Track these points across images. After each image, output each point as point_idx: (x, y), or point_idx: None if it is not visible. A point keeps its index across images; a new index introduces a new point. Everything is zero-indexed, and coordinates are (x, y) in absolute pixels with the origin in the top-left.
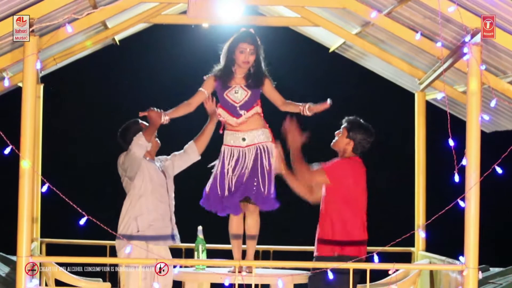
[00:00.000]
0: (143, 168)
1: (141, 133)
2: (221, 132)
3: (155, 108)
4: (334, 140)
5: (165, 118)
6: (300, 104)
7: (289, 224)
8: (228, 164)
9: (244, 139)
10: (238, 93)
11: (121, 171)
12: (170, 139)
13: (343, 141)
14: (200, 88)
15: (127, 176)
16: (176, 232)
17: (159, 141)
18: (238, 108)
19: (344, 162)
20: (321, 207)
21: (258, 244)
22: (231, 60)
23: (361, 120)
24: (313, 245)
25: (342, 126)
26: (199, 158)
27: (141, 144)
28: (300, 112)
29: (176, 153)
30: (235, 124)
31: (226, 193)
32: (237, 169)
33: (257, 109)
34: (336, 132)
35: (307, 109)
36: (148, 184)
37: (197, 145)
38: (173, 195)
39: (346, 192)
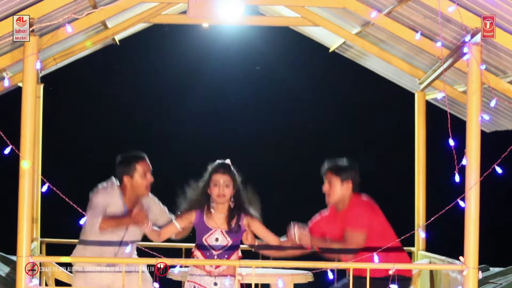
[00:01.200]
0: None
1: (101, 218)
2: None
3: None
4: (328, 195)
5: (149, 225)
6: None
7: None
8: None
9: (216, 284)
10: (218, 241)
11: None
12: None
13: (340, 190)
14: (174, 221)
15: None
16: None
17: (148, 185)
18: (216, 257)
19: (362, 210)
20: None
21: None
22: (206, 195)
23: (336, 159)
24: None
25: (327, 177)
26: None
27: (95, 213)
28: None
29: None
30: (210, 270)
31: None
32: None
33: (235, 256)
34: (324, 188)
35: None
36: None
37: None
38: (136, 238)
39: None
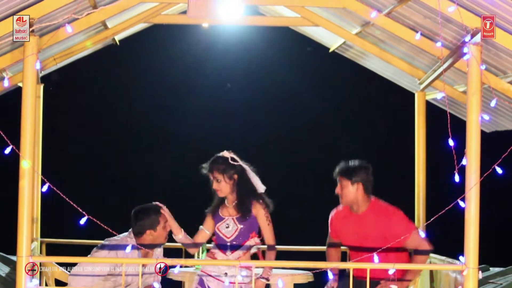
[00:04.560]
0: None
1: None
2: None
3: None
4: (341, 197)
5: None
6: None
7: (289, 224)
8: None
9: (226, 274)
10: (229, 227)
11: None
12: None
13: (351, 191)
14: (201, 226)
15: None
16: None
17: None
18: (229, 244)
19: (402, 214)
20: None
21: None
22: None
23: (349, 161)
24: (313, 244)
25: (339, 179)
26: None
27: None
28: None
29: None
30: (224, 259)
31: None
32: None
33: (252, 241)
34: (336, 190)
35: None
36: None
37: None
38: None
39: None
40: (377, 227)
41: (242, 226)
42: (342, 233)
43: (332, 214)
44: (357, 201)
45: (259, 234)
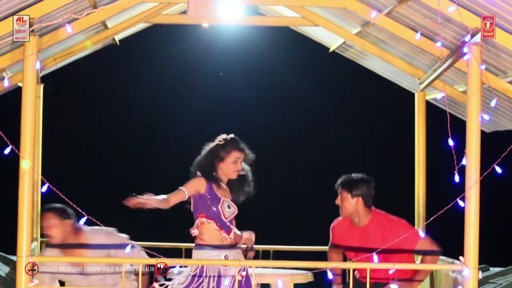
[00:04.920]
0: None
1: None
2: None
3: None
4: (341, 209)
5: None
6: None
7: (289, 224)
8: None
9: (226, 257)
10: (230, 208)
11: None
12: None
13: (351, 204)
14: (181, 188)
15: None
16: None
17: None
18: (228, 224)
19: (405, 223)
20: None
21: (258, 244)
22: (215, 167)
23: (352, 174)
24: (313, 244)
25: (340, 191)
26: None
27: None
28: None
29: None
30: (227, 240)
31: None
32: None
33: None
34: (336, 201)
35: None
36: None
37: None
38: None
39: None
40: (382, 240)
41: (236, 210)
42: (343, 244)
43: (334, 223)
44: (358, 214)
45: None
